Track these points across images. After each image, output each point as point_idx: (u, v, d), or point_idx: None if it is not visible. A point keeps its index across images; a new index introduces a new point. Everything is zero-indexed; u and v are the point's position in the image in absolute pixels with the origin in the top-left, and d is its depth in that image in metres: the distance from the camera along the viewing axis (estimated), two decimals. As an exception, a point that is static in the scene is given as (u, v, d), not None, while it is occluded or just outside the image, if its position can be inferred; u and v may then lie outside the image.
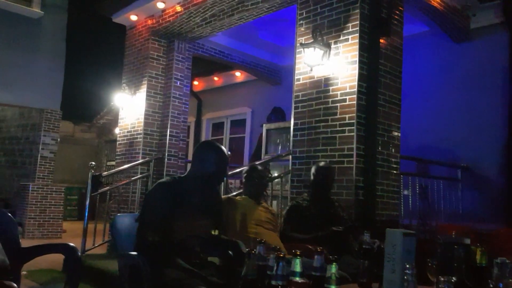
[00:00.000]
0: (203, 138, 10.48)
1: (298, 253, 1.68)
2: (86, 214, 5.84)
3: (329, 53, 4.56)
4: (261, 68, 8.70)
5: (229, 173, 4.96)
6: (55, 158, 9.67)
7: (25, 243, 2.65)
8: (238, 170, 5.03)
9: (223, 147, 2.69)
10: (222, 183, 4.79)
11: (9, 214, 2.86)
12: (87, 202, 5.99)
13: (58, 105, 9.67)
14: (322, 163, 3.84)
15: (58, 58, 9.68)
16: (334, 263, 1.62)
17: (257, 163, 4.78)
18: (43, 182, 9.38)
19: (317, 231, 3.39)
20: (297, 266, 1.65)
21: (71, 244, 2.71)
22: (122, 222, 2.85)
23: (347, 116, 4.32)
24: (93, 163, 6.10)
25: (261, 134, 7.27)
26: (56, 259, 3.27)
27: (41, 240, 8.75)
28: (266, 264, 1.75)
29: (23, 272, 2.40)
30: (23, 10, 9.25)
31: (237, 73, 9.56)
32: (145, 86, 6.94)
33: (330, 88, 4.50)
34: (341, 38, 4.50)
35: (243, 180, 3.49)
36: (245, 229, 3.17)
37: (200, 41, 7.41)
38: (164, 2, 6.49)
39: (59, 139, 9.88)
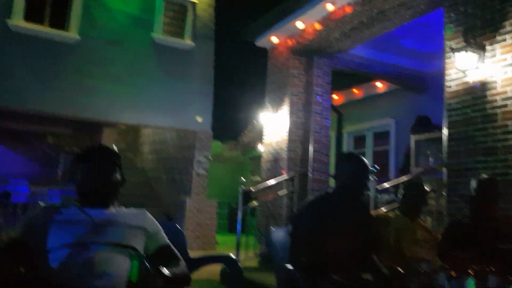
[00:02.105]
0: (344, 152, 10.38)
1: (471, 273, 1.57)
2: (239, 228, 6.20)
3: (484, 56, 4.19)
4: (404, 76, 8.35)
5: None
6: (207, 175, 10.48)
7: (185, 254, 2.89)
8: (387, 185, 4.86)
9: (361, 157, 2.65)
10: (369, 198, 4.67)
11: (177, 226, 3.16)
12: (239, 216, 6.36)
13: (209, 126, 10.52)
14: (483, 176, 3.51)
15: (207, 83, 10.57)
16: (516, 287, 1.47)
17: (407, 176, 4.57)
18: (198, 197, 10.23)
19: (481, 249, 3.09)
20: (472, 286, 1.54)
21: (233, 256, 2.90)
22: (277, 236, 2.96)
23: (510, 122, 3.90)
24: (243, 179, 6.47)
25: (409, 145, 6.93)
26: (211, 269, 3.51)
27: (198, 251, 9.49)
28: (435, 283, 1.67)
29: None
30: (178, 43, 10.35)
31: (378, 84, 9.31)
32: (288, 103, 7.16)
33: (487, 93, 4.13)
34: (497, 38, 4.11)
35: (400, 195, 3.36)
36: (400, 248, 3.04)
37: (339, 55, 7.41)
38: (303, 22, 6.67)
39: (210, 157, 10.70)
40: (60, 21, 9.41)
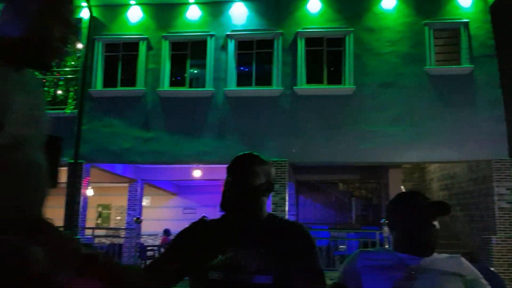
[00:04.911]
0: None
1: None
2: None
3: None
4: None
5: None
6: (513, 208, 9.15)
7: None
8: None
9: None
10: None
11: (492, 269, 2.80)
12: None
13: (506, 154, 9.26)
14: None
15: (495, 105, 9.47)
16: None
17: None
18: (506, 234, 8.97)
19: None
20: None
21: None
22: None
23: None
24: None
25: None
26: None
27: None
28: None
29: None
30: (454, 70, 9.79)
31: None
32: None
33: None
34: None
35: None
36: None
37: None
38: None
39: (514, 188, 9.34)
40: (335, 77, 10.28)
